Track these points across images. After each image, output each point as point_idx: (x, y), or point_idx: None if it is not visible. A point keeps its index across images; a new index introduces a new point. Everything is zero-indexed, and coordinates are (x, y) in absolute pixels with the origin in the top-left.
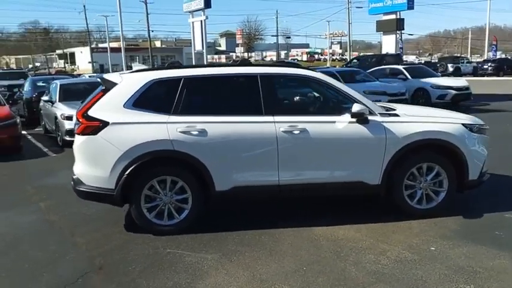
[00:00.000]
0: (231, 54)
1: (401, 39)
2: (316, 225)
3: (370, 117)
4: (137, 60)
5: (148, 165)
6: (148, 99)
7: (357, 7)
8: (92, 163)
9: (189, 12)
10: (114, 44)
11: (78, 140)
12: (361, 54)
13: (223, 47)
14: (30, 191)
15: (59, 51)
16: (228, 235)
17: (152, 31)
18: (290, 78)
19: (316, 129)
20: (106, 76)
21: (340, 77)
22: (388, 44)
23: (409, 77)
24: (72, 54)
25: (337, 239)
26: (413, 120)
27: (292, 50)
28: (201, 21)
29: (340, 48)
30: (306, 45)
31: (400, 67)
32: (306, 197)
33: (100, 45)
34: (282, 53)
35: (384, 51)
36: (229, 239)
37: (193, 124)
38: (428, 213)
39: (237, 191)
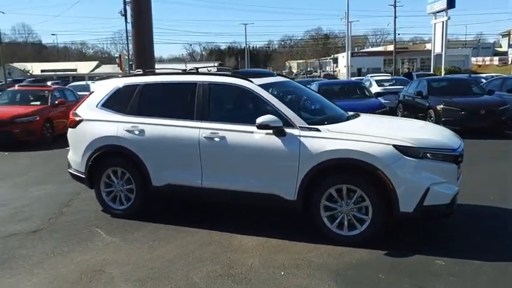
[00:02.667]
0: (507, 56)
1: None
2: (239, 233)
3: (288, 130)
4: (393, 62)
5: (104, 156)
6: (113, 101)
7: None
8: (74, 150)
9: (432, 13)
10: (380, 48)
11: (68, 131)
12: None
13: (504, 48)
14: None
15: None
16: (152, 226)
17: (399, 34)
18: (223, 86)
19: (234, 138)
20: (97, 82)
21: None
22: None
23: None
24: (337, 59)
25: (228, 247)
26: (333, 137)
27: None
28: (443, 22)
29: None
30: None
31: None
32: (230, 203)
33: (372, 49)
34: None
35: None
36: (148, 229)
37: (137, 124)
38: (349, 241)
39: (170, 188)
